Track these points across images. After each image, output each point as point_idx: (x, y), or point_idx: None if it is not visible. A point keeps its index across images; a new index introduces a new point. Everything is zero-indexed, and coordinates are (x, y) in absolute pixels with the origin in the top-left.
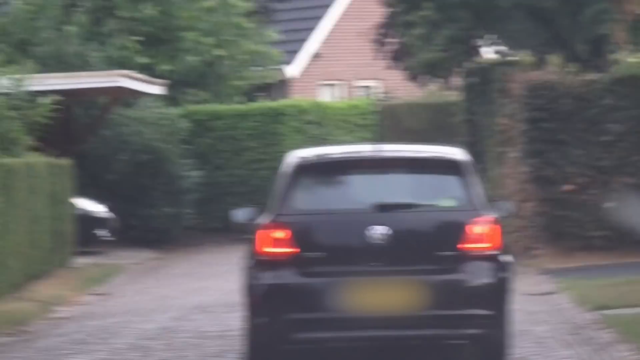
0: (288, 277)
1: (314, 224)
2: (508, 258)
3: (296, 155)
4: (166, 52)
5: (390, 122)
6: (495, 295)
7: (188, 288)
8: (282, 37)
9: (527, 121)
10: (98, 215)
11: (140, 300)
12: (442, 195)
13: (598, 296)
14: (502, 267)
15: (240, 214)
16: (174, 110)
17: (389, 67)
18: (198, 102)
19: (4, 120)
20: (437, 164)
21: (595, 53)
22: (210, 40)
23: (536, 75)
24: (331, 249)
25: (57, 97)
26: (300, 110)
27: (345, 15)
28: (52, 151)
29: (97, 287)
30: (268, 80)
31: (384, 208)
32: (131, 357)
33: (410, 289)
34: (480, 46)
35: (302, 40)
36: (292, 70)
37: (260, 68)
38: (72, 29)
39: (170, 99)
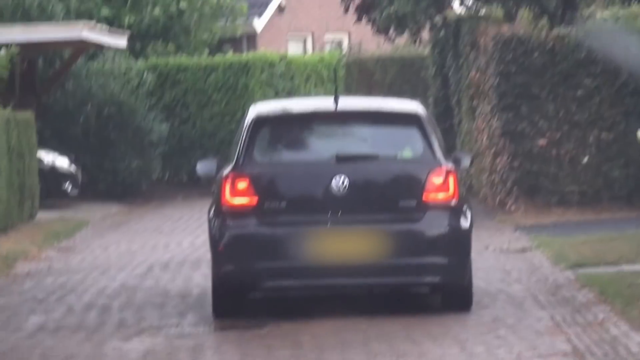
0: (251, 226)
1: (276, 174)
2: (466, 208)
3: (258, 108)
4: (129, 4)
5: (359, 75)
6: (454, 244)
7: (154, 243)
8: None
9: (498, 75)
10: (63, 169)
11: (104, 255)
12: (401, 147)
13: (574, 254)
14: (460, 216)
15: (204, 166)
16: (139, 63)
17: (356, 20)
18: (164, 55)
19: None
20: (395, 117)
21: (567, 7)
22: None
23: (507, 29)
24: (293, 200)
25: (15, 50)
26: (268, 63)
27: None
28: (13, 104)
29: (61, 242)
30: (236, 34)
31: (344, 159)
32: (87, 317)
33: (370, 238)
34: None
35: None
36: (260, 23)
37: (227, 21)
38: None
39: (135, 52)
